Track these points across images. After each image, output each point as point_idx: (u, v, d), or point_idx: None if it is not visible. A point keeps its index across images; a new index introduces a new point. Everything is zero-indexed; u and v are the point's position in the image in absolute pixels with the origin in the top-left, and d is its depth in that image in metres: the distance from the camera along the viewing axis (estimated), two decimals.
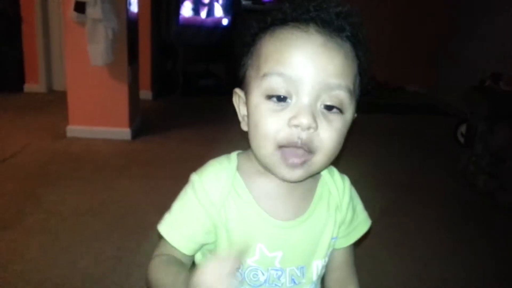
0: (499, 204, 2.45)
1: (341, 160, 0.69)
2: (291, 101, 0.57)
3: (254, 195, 0.66)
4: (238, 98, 0.67)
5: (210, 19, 4.76)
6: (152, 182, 2.44)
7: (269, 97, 0.58)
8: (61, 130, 3.11)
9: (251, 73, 0.62)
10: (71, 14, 2.80)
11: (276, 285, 0.67)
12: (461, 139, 3.45)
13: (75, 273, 1.61)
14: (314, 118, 0.57)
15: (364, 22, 0.62)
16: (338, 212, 0.71)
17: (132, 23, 3.19)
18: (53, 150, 2.84)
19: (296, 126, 0.56)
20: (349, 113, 0.61)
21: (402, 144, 3.58)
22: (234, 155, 0.70)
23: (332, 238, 0.70)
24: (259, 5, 5.14)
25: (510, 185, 2.39)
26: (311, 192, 0.70)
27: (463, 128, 3.40)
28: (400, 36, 5.71)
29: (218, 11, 4.79)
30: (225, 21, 4.81)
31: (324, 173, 0.72)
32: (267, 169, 0.63)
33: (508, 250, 2.04)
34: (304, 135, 0.57)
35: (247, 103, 0.63)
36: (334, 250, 0.73)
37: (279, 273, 0.67)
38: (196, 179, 0.66)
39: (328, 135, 0.58)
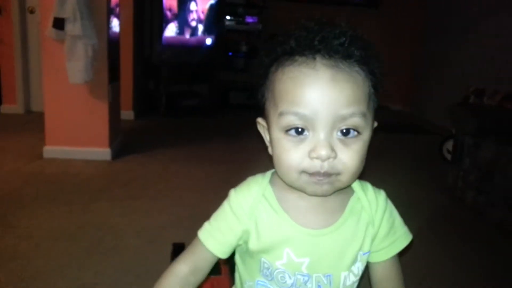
0: (488, 219, 2.42)
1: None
2: (309, 134, 0.62)
3: (283, 206, 0.71)
4: (262, 126, 0.72)
5: (193, 39, 4.72)
6: (132, 203, 2.33)
7: (287, 131, 0.63)
8: (38, 151, 2.98)
9: (269, 107, 0.67)
10: (50, 31, 2.72)
11: None
12: (447, 156, 3.43)
13: None
14: (332, 148, 0.61)
15: None
16: (371, 227, 0.73)
17: (113, 40, 3.12)
18: (28, 171, 2.71)
19: (317, 158, 0.61)
20: (367, 131, 0.65)
21: (388, 162, 3.54)
22: (269, 172, 0.75)
23: (362, 252, 0.72)
24: (242, 25, 5.16)
25: (499, 200, 2.36)
26: (342, 206, 0.72)
27: (449, 145, 3.39)
28: (383, 56, 5.79)
29: (202, 31, 4.76)
30: (208, 41, 4.79)
31: (357, 189, 0.75)
32: (296, 189, 0.67)
33: (496, 266, 1.99)
34: (325, 164, 0.61)
35: (269, 134, 0.68)
36: (375, 263, 0.76)
37: (306, 278, 0.70)
38: (232, 192, 0.74)
39: (350, 157, 0.63)
